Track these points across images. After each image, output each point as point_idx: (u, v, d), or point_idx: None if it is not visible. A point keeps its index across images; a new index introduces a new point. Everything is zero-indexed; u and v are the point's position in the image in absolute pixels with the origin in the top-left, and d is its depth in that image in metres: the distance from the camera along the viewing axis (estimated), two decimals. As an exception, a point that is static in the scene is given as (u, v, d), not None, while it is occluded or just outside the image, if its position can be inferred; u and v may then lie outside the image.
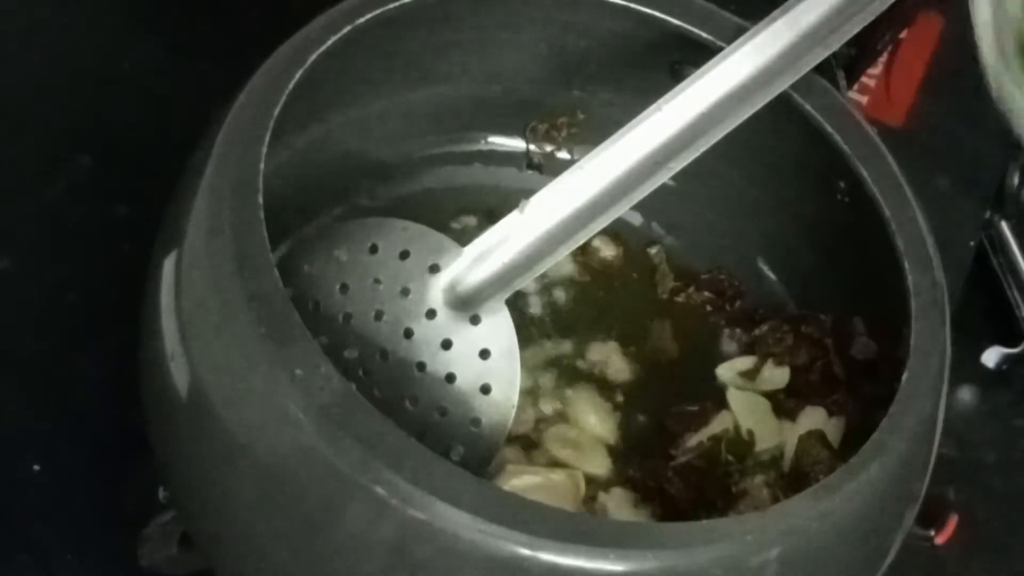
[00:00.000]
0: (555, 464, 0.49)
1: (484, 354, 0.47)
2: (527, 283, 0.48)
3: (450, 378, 0.47)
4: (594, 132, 0.52)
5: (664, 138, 0.47)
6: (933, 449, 0.45)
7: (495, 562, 0.37)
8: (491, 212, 0.52)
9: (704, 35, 0.49)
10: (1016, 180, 0.66)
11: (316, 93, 0.45)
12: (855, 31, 0.48)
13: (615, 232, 0.55)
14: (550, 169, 0.56)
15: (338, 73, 0.47)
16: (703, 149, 0.47)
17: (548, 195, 0.47)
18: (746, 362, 0.53)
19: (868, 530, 0.42)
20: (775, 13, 0.48)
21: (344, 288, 0.47)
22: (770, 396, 0.52)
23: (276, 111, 0.43)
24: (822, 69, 0.49)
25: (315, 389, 0.38)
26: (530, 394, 0.51)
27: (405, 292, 0.47)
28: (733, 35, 0.48)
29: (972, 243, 0.65)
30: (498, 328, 0.47)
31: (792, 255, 0.55)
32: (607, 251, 0.56)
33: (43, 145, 0.59)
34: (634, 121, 0.47)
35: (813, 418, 0.51)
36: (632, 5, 0.50)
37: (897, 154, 0.49)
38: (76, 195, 0.58)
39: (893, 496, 0.43)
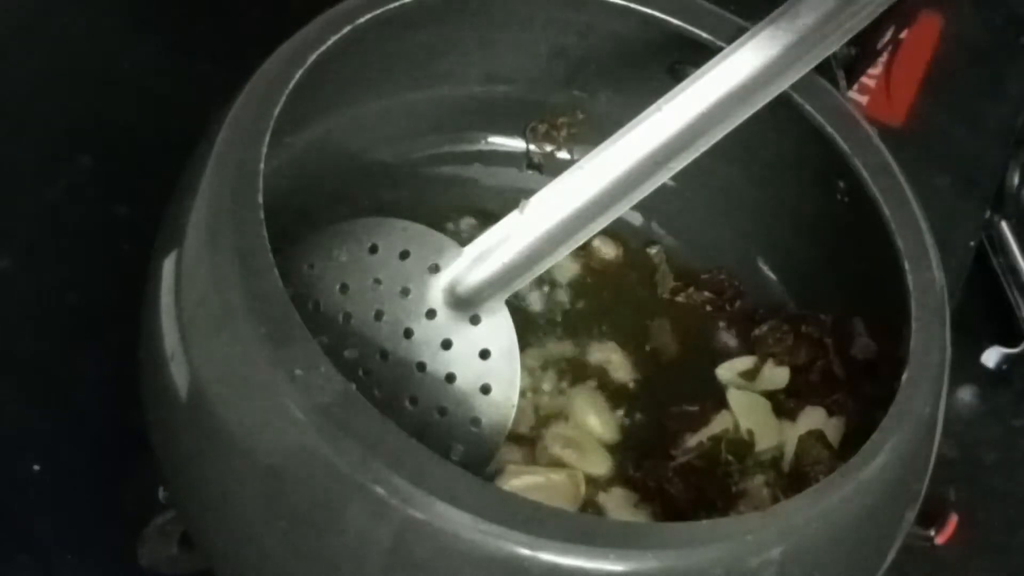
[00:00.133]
0: (555, 464, 0.49)
1: (484, 354, 0.47)
2: (527, 283, 0.48)
3: (450, 378, 0.47)
4: (594, 132, 0.52)
5: (664, 138, 0.47)
6: (933, 449, 0.45)
7: (495, 562, 0.37)
8: (491, 212, 0.52)
9: (704, 35, 0.49)
10: (1016, 180, 0.66)
11: (316, 93, 0.45)
12: (855, 31, 0.48)
13: (615, 232, 0.55)
14: (550, 169, 0.56)
15: (338, 73, 0.47)
16: (703, 149, 0.47)
17: (548, 195, 0.47)
18: (746, 362, 0.53)
19: (868, 530, 0.42)
20: (775, 13, 0.48)
21: (344, 288, 0.47)
22: (770, 396, 0.52)
23: (276, 111, 0.43)
24: (822, 69, 0.49)
25: (315, 389, 0.38)
26: (530, 394, 0.51)
27: (405, 292, 0.47)
28: (733, 35, 0.48)
29: (972, 243, 0.65)
30: (498, 328, 0.47)
31: (792, 255, 0.55)
32: (607, 251, 0.56)
33: (43, 145, 0.59)
34: (634, 121, 0.47)
35: (813, 418, 0.51)
36: (632, 5, 0.50)
37: (897, 154, 0.49)
38: (76, 195, 0.58)
39: (893, 496, 0.43)
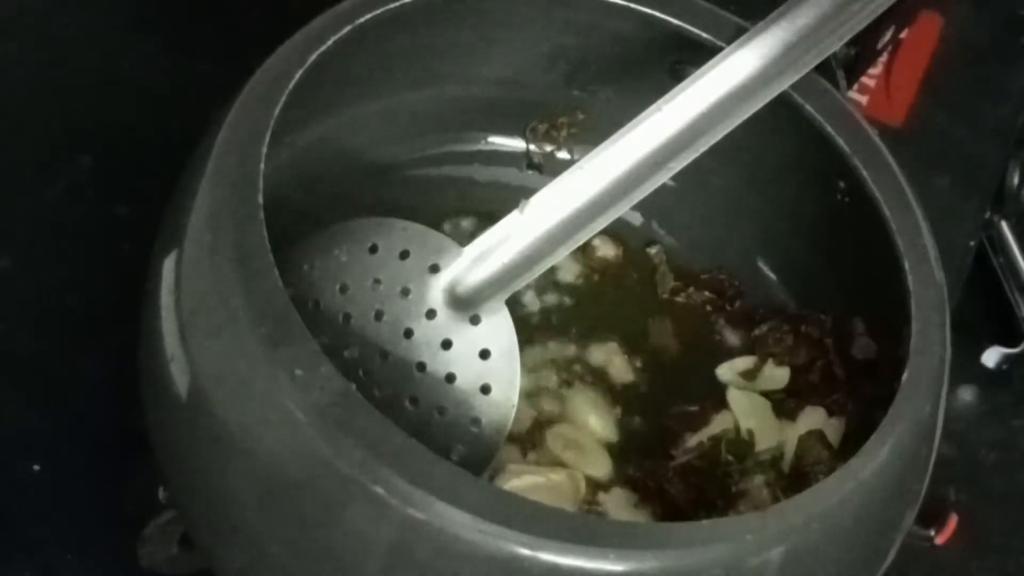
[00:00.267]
0: (555, 464, 0.49)
1: (484, 354, 0.47)
2: (527, 283, 0.48)
3: (450, 378, 0.47)
4: (594, 132, 0.52)
5: (664, 138, 0.47)
6: (933, 449, 0.45)
7: (495, 562, 0.37)
8: (491, 212, 0.52)
9: (704, 35, 0.49)
10: (1016, 180, 0.66)
11: (316, 93, 0.45)
12: (855, 31, 0.48)
13: (615, 232, 0.55)
14: (550, 169, 0.56)
15: (338, 73, 0.47)
16: (703, 149, 0.47)
17: (548, 195, 0.47)
18: (746, 362, 0.53)
19: (868, 530, 0.42)
20: (775, 13, 0.48)
21: (344, 288, 0.47)
22: (770, 396, 0.52)
23: (276, 111, 0.43)
24: (822, 69, 0.49)
25: (315, 389, 0.38)
26: (530, 394, 0.51)
27: (405, 292, 0.47)
28: (733, 35, 0.48)
29: (972, 243, 0.65)
30: (498, 328, 0.47)
31: (792, 255, 0.55)
32: (607, 251, 0.56)
33: (43, 145, 0.59)
34: (634, 121, 0.47)
35: (813, 418, 0.51)
36: (633, 5, 0.50)
37: (897, 154, 0.49)
38: (76, 195, 0.58)
39: (893, 496, 0.43)
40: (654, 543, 0.38)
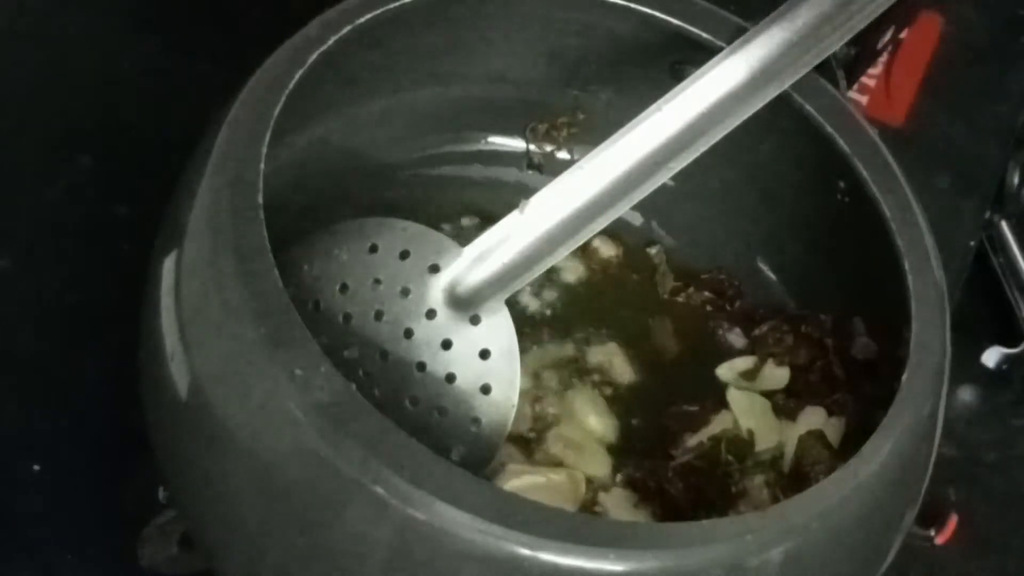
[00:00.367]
0: (555, 464, 0.49)
1: (484, 354, 0.47)
2: (527, 283, 0.48)
3: (450, 378, 0.47)
4: (594, 132, 0.52)
5: (664, 138, 0.47)
6: (933, 449, 0.45)
7: (495, 562, 0.37)
8: (491, 212, 0.52)
9: (704, 35, 0.49)
10: (1016, 180, 0.66)
11: (316, 93, 0.45)
12: (855, 32, 0.48)
13: (615, 232, 0.55)
14: (550, 169, 0.56)
15: (338, 73, 0.47)
16: (703, 149, 0.47)
17: (548, 195, 0.47)
18: (746, 362, 0.53)
19: (868, 530, 0.42)
20: (775, 13, 0.48)
21: (344, 288, 0.47)
22: (770, 396, 0.52)
23: (276, 111, 0.43)
24: (822, 69, 0.49)
25: (315, 389, 0.38)
26: (530, 394, 0.51)
27: (405, 292, 0.47)
28: (733, 35, 0.48)
29: (972, 243, 0.65)
30: (498, 328, 0.47)
31: (792, 255, 0.55)
32: (607, 251, 0.56)
33: (43, 145, 0.59)
34: (634, 121, 0.47)
35: (813, 418, 0.51)
36: (632, 5, 0.50)
37: (897, 154, 0.49)
38: (76, 195, 0.58)
39: (893, 496, 0.43)
40: (654, 543, 0.38)
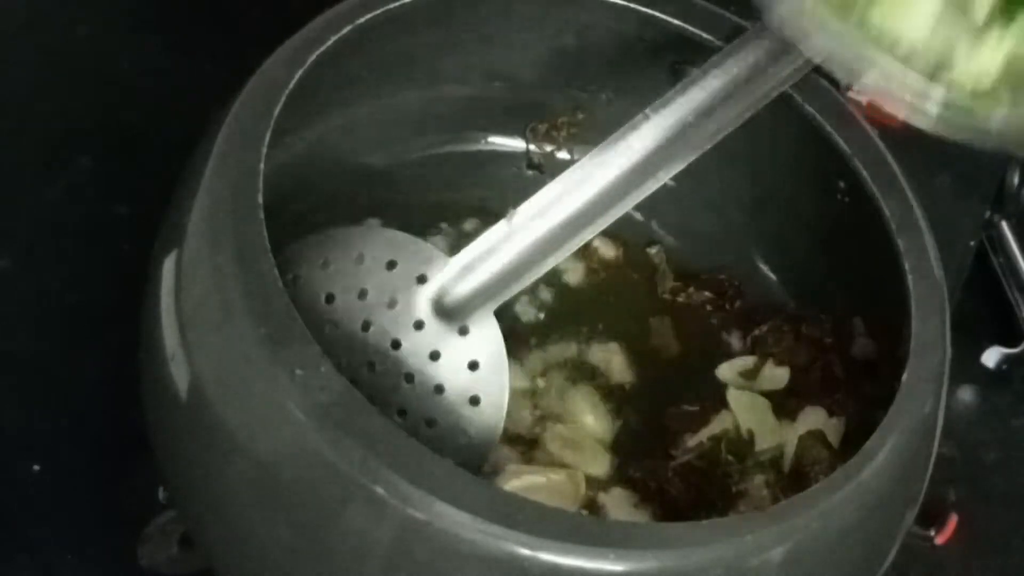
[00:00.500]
0: (555, 464, 0.49)
1: (473, 366, 0.47)
2: (516, 293, 0.47)
3: (439, 389, 0.46)
4: (594, 132, 0.52)
5: (653, 146, 0.46)
6: (933, 449, 0.45)
7: (495, 562, 0.37)
8: (491, 212, 0.52)
9: (704, 35, 0.49)
10: (1016, 180, 0.66)
11: (316, 93, 0.45)
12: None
13: (615, 232, 0.55)
14: (550, 169, 0.56)
15: (338, 73, 0.47)
16: (692, 158, 0.46)
17: (536, 204, 0.46)
18: (746, 362, 0.53)
19: (868, 530, 0.42)
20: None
21: (330, 298, 0.46)
22: (770, 396, 0.52)
23: (276, 111, 0.43)
24: (822, 69, 0.49)
25: (315, 389, 0.38)
26: (530, 394, 0.51)
27: (392, 303, 0.46)
28: (732, 35, 0.48)
29: (972, 243, 0.65)
30: (487, 339, 0.47)
31: (792, 255, 0.55)
32: (607, 251, 0.56)
33: (43, 145, 0.59)
34: (624, 128, 0.46)
35: (813, 418, 0.51)
36: (632, 5, 0.50)
37: (897, 154, 0.49)
38: (76, 195, 0.58)
39: (893, 496, 0.43)
40: (654, 543, 0.38)
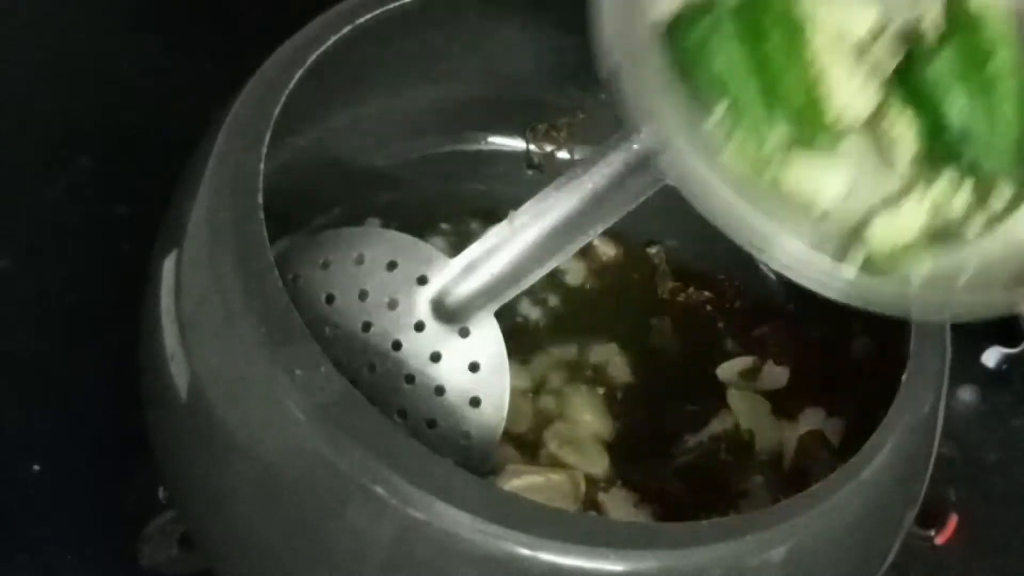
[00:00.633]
0: (555, 464, 0.49)
1: (473, 367, 0.46)
2: (516, 294, 0.47)
3: (439, 391, 0.46)
4: (594, 132, 0.52)
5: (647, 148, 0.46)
6: (933, 449, 0.45)
7: (495, 562, 0.37)
8: (491, 212, 0.52)
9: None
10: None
11: (316, 93, 0.45)
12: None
13: (615, 232, 0.55)
14: (550, 169, 0.56)
15: (338, 73, 0.47)
16: None
17: (537, 205, 0.46)
18: (746, 362, 0.53)
19: (868, 530, 0.42)
20: None
21: (331, 298, 0.46)
22: (770, 396, 0.52)
23: (276, 111, 0.43)
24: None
25: (315, 389, 0.38)
26: (530, 394, 0.51)
27: (393, 304, 0.46)
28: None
29: (972, 243, 0.65)
30: (487, 340, 0.47)
31: (792, 255, 0.55)
32: (607, 251, 0.56)
33: (43, 145, 0.59)
34: (625, 128, 0.46)
35: (813, 418, 0.51)
36: (632, 5, 0.50)
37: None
38: (76, 195, 0.58)
39: (893, 496, 0.43)
40: (654, 543, 0.38)
